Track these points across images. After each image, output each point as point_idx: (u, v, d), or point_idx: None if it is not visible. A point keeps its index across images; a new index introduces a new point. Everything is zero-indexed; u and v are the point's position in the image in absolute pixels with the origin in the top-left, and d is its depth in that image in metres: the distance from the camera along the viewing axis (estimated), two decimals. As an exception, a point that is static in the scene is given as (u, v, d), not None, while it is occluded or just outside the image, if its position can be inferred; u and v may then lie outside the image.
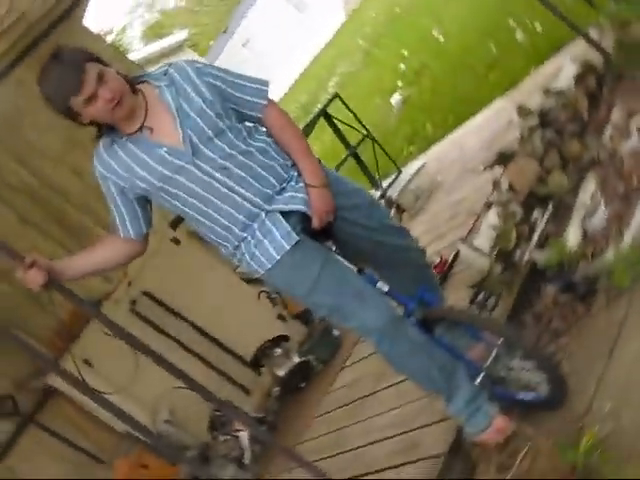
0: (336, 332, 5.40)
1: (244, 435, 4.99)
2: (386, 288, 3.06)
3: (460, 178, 5.60)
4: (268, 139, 2.90)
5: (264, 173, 2.82)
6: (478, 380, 3.01)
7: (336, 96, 7.12)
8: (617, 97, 4.24)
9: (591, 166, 3.89)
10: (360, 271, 3.05)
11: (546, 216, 3.87)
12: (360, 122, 7.36)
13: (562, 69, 4.73)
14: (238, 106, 2.85)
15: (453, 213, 5.17)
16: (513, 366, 3.05)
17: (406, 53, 12.13)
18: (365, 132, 6.94)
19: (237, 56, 33.58)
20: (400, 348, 2.89)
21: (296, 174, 2.89)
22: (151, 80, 2.84)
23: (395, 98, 10.66)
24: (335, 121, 7.05)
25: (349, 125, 7.17)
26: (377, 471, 3.67)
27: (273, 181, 2.83)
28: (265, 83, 2.91)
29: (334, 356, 5.32)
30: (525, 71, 6.70)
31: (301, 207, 2.84)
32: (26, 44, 6.39)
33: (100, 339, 4.47)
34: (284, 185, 2.85)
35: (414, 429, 3.63)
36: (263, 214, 2.82)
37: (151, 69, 3.01)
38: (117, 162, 2.82)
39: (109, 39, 34.93)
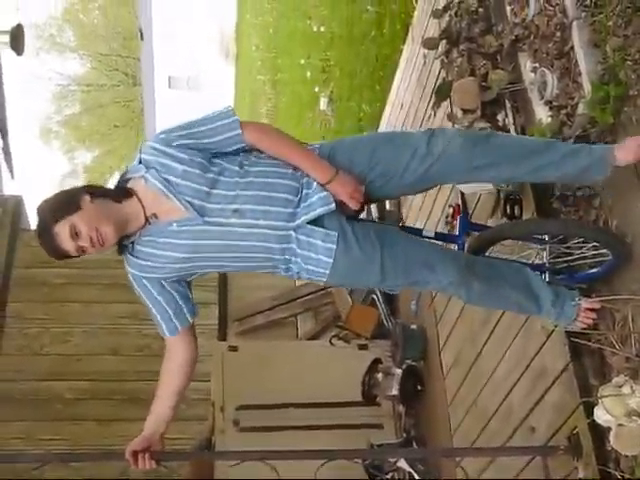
0: (413, 326, 5.47)
1: (403, 462, 5.03)
2: (432, 233, 3.18)
3: (420, 131, 5.68)
4: (262, 160, 2.87)
5: (274, 194, 2.79)
6: (547, 279, 3.12)
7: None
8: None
9: (515, 47, 3.97)
10: (403, 227, 3.18)
11: (510, 113, 3.95)
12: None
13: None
14: (220, 148, 2.81)
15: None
16: (570, 250, 3.14)
17: (303, 61, 12.26)
18: (318, 149, 7.02)
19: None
20: (476, 290, 2.99)
21: (306, 179, 2.85)
22: (133, 174, 2.85)
23: (322, 103, 10.77)
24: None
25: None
26: (528, 414, 3.74)
27: (287, 196, 2.80)
28: (228, 113, 2.84)
29: (426, 347, 5.37)
30: (410, 7, 6.80)
31: (320, 209, 2.81)
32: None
33: (233, 470, 4.55)
34: (300, 195, 2.82)
35: (531, 359, 3.69)
36: (292, 232, 2.80)
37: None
38: (143, 257, 2.87)
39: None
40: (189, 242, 2.81)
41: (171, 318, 2.95)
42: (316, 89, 11.28)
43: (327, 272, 2.85)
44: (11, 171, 7.54)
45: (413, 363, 5.43)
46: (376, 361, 5.55)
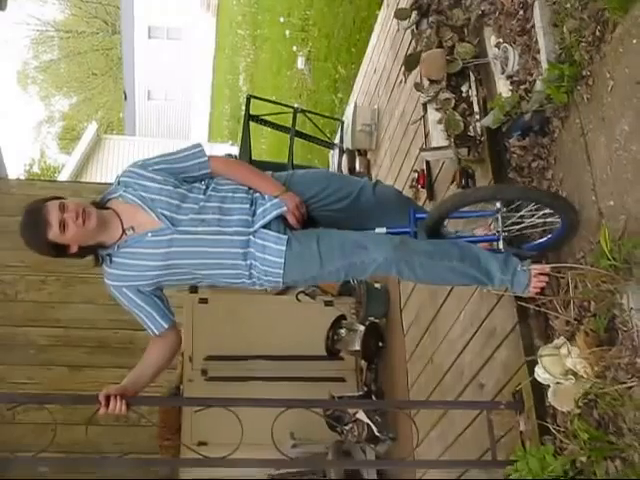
0: (377, 285, 5.68)
1: (361, 414, 5.26)
2: (384, 230, 3.36)
3: (391, 97, 5.84)
4: (222, 183, 3.27)
5: (234, 206, 3.18)
6: (500, 247, 3.30)
7: (249, 98, 7.32)
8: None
9: (481, 22, 4.13)
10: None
11: (473, 85, 4.12)
12: (281, 104, 7.59)
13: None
14: (188, 173, 3.25)
15: (403, 128, 5.41)
16: (522, 218, 3.34)
17: (282, 19, 12.32)
18: (292, 109, 7.16)
19: (150, 112, 33.70)
20: (417, 264, 3.17)
21: (258, 194, 3.26)
22: (111, 195, 3.24)
23: (300, 62, 10.87)
24: (262, 118, 7.28)
25: (276, 113, 7.37)
26: (478, 372, 3.97)
27: (244, 206, 3.19)
28: (197, 146, 3.32)
29: (388, 305, 5.59)
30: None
31: (275, 212, 3.20)
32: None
33: (199, 418, 4.79)
34: (254, 207, 3.20)
35: (483, 320, 3.91)
36: (252, 237, 3.15)
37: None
38: (121, 268, 3.19)
39: (35, 169, 35.23)
40: (163, 250, 3.16)
41: (156, 318, 3.29)
42: (294, 48, 11.37)
43: (281, 272, 3.18)
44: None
45: (376, 320, 5.66)
46: (340, 317, 5.76)
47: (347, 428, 5.37)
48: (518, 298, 3.42)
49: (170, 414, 5.73)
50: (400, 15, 4.60)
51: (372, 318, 5.65)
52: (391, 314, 5.56)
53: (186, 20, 32.74)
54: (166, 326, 3.29)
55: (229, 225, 3.15)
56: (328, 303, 6.17)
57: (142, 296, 3.24)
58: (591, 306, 3.01)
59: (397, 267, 3.18)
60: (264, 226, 3.18)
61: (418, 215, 3.41)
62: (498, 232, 3.39)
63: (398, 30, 5.62)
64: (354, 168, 6.58)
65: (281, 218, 3.22)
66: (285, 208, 3.21)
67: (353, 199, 3.37)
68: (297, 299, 5.94)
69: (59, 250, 3.14)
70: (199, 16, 31.61)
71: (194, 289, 6.70)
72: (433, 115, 4.21)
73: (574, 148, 3.36)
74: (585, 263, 3.16)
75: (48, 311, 6.84)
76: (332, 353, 5.77)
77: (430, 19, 4.35)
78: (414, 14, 4.48)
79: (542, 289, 3.24)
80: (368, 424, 5.23)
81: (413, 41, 4.60)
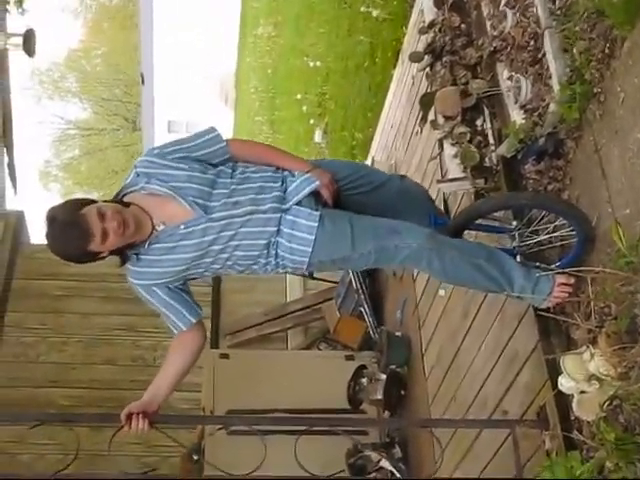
0: (398, 333, 5.66)
1: (385, 463, 5.20)
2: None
3: (408, 148, 5.94)
4: (247, 168, 3.18)
5: (265, 184, 3.10)
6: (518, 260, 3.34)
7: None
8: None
9: (494, 58, 4.24)
10: None
11: (488, 118, 4.21)
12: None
13: (423, 8, 5.11)
14: (208, 160, 3.12)
15: (421, 174, 5.47)
16: (539, 233, 3.38)
17: (299, 96, 12.58)
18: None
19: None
20: (448, 256, 3.13)
21: (287, 172, 3.19)
22: (132, 188, 3.11)
23: (317, 135, 11.06)
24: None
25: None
26: (501, 399, 3.93)
27: (276, 184, 3.11)
28: (213, 130, 3.21)
29: (409, 352, 5.56)
30: (400, 34, 7.14)
31: (309, 187, 3.12)
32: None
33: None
34: (285, 185, 3.13)
35: (504, 346, 3.90)
36: (283, 214, 3.07)
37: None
38: (152, 265, 3.09)
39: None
40: (197, 240, 3.05)
41: (184, 314, 3.19)
42: (311, 121, 11.59)
43: (309, 250, 3.08)
44: (15, 187, 7.81)
45: (397, 369, 5.62)
46: (361, 367, 5.74)
47: (371, 477, 5.30)
48: (538, 312, 3.42)
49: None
50: (413, 58, 4.73)
51: (393, 366, 5.61)
52: (413, 361, 5.52)
53: (205, 114, 33.43)
54: (194, 321, 3.19)
55: (264, 203, 3.06)
56: (349, 357, 6.16)
57: (171, 293, 3.15)
58: (612, 310, 3.01)
59: (428, 257, 3.12)
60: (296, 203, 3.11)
61: (438, 220, 3.45)
62: (515, 248, 3.44)
63: (413, 84, 5.76)
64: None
65: (313, 194, 3.14)
66: (318, 182, 3.13)
67: (379, 185, 3.34)
68: (318, 348, 5.94)
69: (93, 257, 3.04)
70: (218, 109, 32.28)
71: (216, 343, 6.73)
72: (449, 150, 4.28)
73: (588, 165, 3.41)
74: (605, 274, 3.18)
75: (69, 372, 6.86)
76: (354, 403, 5.71)
77: (444, 60, 4.46)
78: (427, 57, 4.59)
79: (564, 300, 3.22)
80: (392, 471, 5.17)
81: (428, 84, 4.71)
